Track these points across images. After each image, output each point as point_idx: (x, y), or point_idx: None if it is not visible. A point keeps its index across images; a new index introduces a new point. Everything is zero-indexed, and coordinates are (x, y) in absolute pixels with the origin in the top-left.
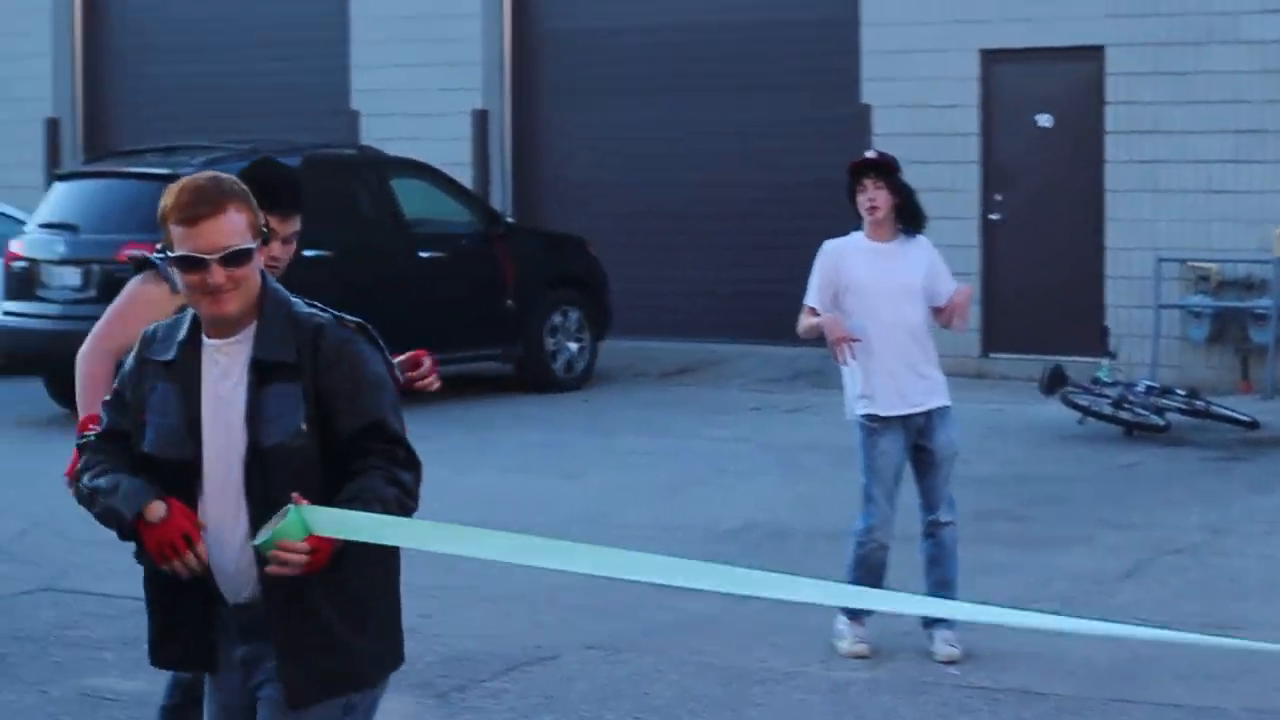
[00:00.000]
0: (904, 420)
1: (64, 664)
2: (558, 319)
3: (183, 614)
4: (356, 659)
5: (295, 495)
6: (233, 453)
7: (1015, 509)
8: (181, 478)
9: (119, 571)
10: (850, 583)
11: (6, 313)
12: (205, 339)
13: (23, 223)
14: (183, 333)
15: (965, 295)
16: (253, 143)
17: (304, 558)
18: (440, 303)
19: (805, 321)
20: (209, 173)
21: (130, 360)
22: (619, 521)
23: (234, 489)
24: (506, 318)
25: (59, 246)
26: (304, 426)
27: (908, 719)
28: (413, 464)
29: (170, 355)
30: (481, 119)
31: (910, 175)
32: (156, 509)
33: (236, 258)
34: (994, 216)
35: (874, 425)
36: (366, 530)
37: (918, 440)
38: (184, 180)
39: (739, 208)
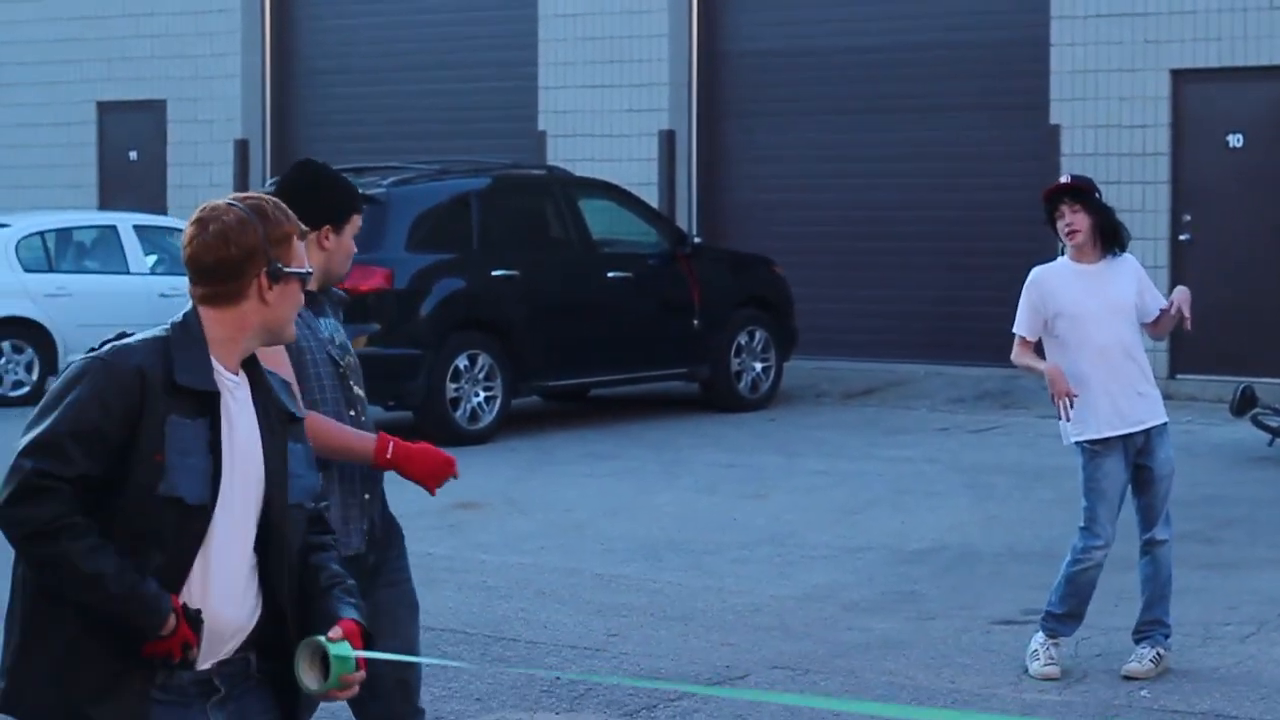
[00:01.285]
0: (1124, 440)
1: None
2: (743, 339)
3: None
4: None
5: (332, 634)
6: (248, 506)
7: (1205, 530)
8: (190, 526)
9: None
10: (1057, 600)
11: None
12: (220, 370)
13: None
14: (203, 359)
15: (1184, 296)
16: (442, 163)
17: (355, 689)
18: (627, 322)
19: (1023, 358)
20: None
21: (115, 381)
22: (805, 541)
23: (245, 545)
24: (693, 337)
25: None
26: (320, 488)
27: None
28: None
29: (206, 385)
30: (668, 140)
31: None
32: (170, 624)
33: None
34: (1183, 237)
35: (1095, 448)
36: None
37: (1137, 459)
38: (271, 198)
39: (926, 228)
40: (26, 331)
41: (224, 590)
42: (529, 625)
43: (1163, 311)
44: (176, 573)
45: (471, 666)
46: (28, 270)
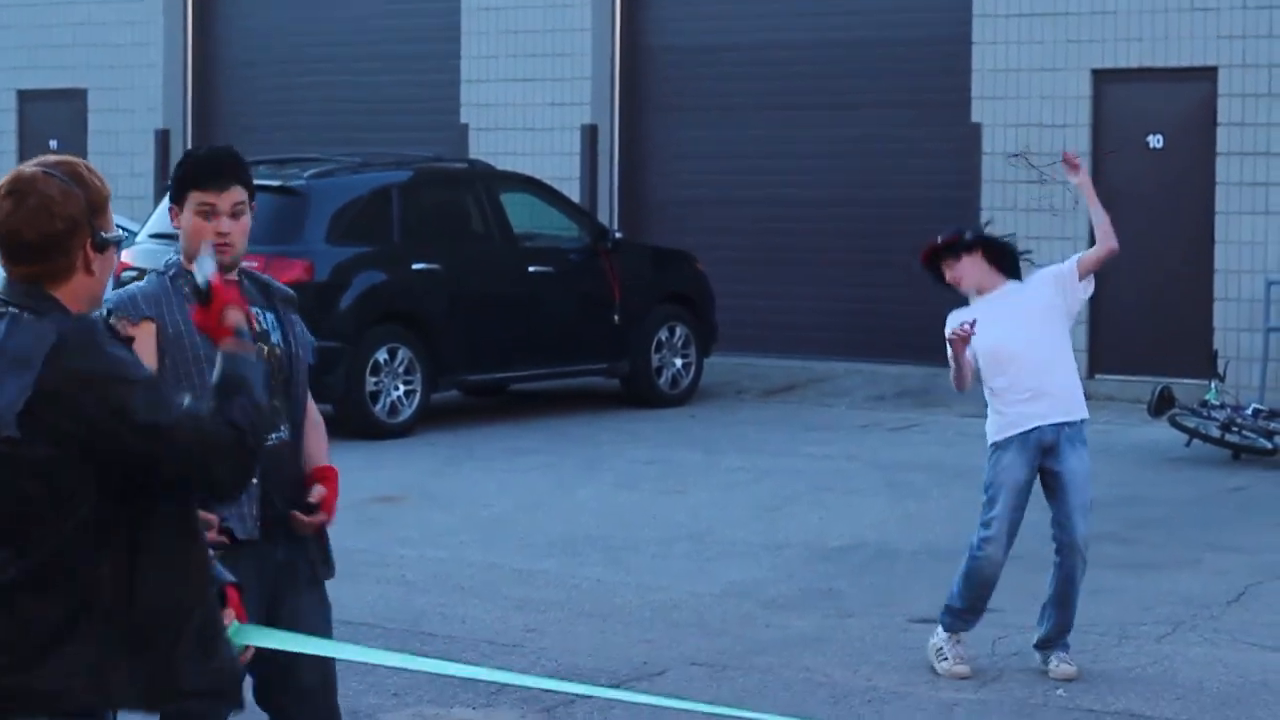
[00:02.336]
0: (1026, 436)
1: None
2: (664, 334)
3: None
4: None
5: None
6: None
7: (1122, 531)
8: None
9: None
10: (956, 594)
11: None
12: None
13: (134, 233)
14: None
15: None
16: (363, 156)
17: None
18: (548, 317)
19: (954, 376)
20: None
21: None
22: (724, 538)
23: None
24: (613, 332)
25: (169, 256)
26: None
27: None
28: None
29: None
30: (591, 134)
31: (1020, 195)
32: None
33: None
34: None
35: (998, 446)
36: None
37: (1045, 461)
38: (81, 160)
39: (847, 225)
40: None
41: None
42: (447, 620)
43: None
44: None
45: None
46: None
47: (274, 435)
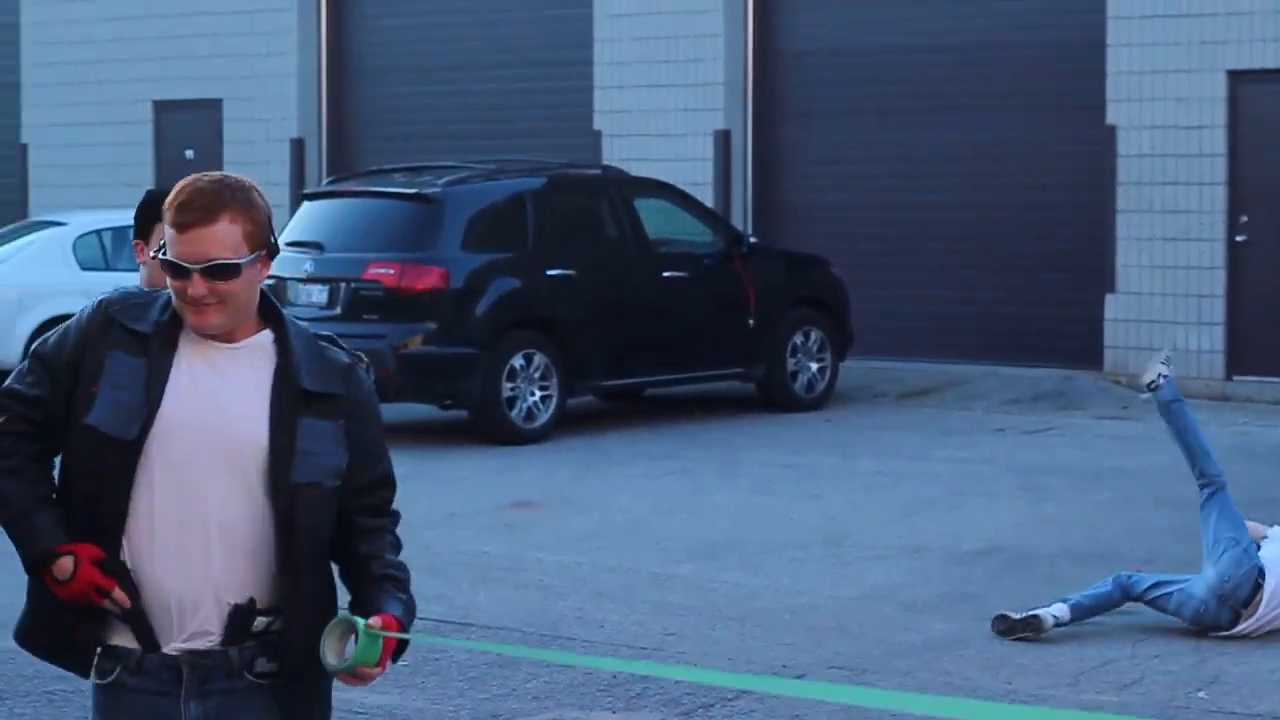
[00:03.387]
0: None
1: None
2: (799, 339)
3: (62, 611)
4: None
5: (370, 621)
6: (215, 469)
7: None
8: (111, 461)
9: None
10: None
11: None
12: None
13: None
14: (161, 314)
15: None
16: (498, 162)
17: (376, 675)
18: (682, 322)
19: None
20: (219, 175)
21: (88, 318)
22: (861, 542)
23: (201, 510)
24: (748, 337)
25: (306, 264)
26: (344, 468)
27: None
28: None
29: (145, 328)
30: (724, 139)
31: (1156, 196)
32: (64, 567)
33: (222, 271)
34: (1240, 238)
35: None
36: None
37: None
38: (189, 179)
39: (983, 229)
40: None
41: (169, 554)
42: (585, 624)
43: None
44: (113, 520)
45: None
46: (85, 269)
47: None
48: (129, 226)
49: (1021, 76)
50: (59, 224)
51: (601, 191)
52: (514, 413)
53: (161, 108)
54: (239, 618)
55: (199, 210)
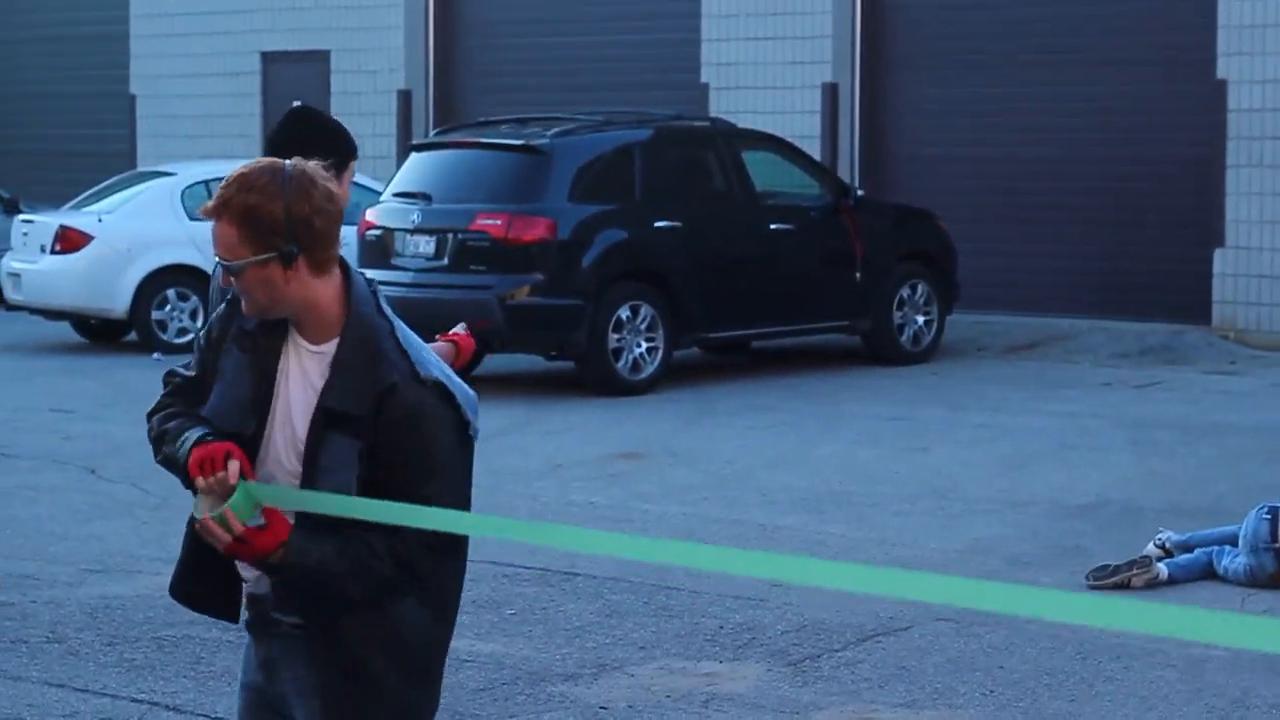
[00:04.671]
0: None
1: None
2: (906, 292)
3: (208, 565)
4: (405, 705)
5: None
6: (287, 463)
7: None
8: (242, 444)
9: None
10: None
11: None
12: (295, 334)
13: (378, 193)
14: None
15: None
16: (605, 114)
17: (228, 538)
18: (789, 275)
19: None
20: (253, 168)
21: (219, 310)
22: (967, 495)
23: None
24: (855, 290)
25: (413, 215)
26: (353, 489)
27: (1266, 700)
28: (409, 566)
29: (251, 325)
30: (831, 92)
31: (1267, 151)
32: (201, 449)
33: (230, 270)
34: None
35: None
36: (322, 504)
37: None
38: (240, 169)
39: (1089, 183)
40: (192, 280)
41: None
42: (691, 575)
43: None
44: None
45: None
46: (193, 219)
47: None
48: None
49: (1132, 30)
50: (167, 174)
51: (709, 143)
52: (620, 364)
53: (269, 59)
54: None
55: (212, 204)
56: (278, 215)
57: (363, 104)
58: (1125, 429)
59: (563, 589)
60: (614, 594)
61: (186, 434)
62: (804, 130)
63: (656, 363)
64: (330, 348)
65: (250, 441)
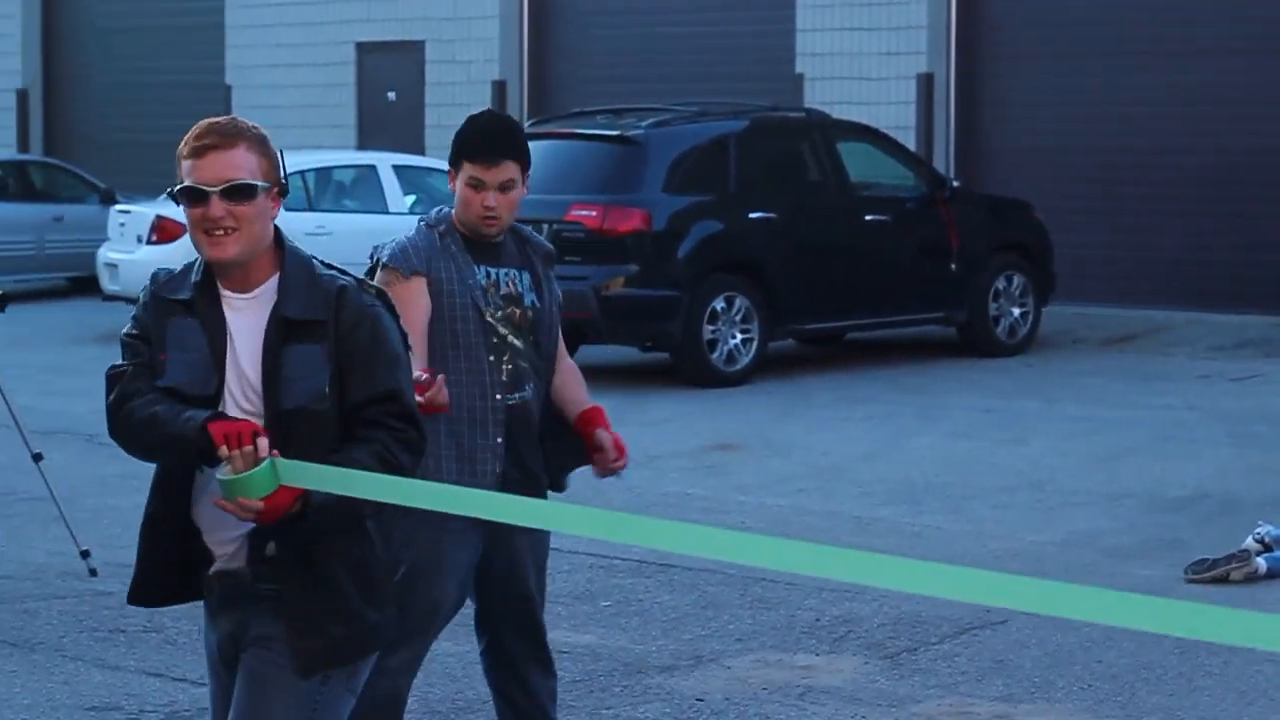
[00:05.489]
0: None
1: None
2: (1001, 284)
3: (169, 555)
4: (366, 627)
5: (273, 450)
6: (251, 415)
7: None
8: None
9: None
10: None
11: None
12: (221, 289)
13: None
14: (196, 275)
15: None
16: (700, 105)
17: (252, 514)
18: (885, 266)
19: None
20: (230, 116)
21: (142, 300)
22: (1064, 487)
23: None
24: (950, 282)
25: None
26: (327, 390)
27: None
28: (418, 448)
29: (186, 295)
30: (927, 83)
31: None
32: (215, 425)
33: (239, 192)
34: None
35: None
36: (337, 483)
37: None
38: (203, 120)
39: (1185, 174)
40: None
41: (215, 488)
42: None
43: None
44: (185, 471)
45: None
46: (288, 209)
47: (517, 394)
48: (333, 168)
49: (1226, 20)
50: None
51: (804, 135)
52: (715, 355)
53: (364, 49)
54: (257, 543)
55: (218, 135)
56: (275, 154)
57: (457, 94)
58: (1223, 422)
59: (658, 580)
60: (710, 585)
61: (188, 414)
62: (899, 121)
63: (751, 354)
64: (263, 290)
65: (211, 401)
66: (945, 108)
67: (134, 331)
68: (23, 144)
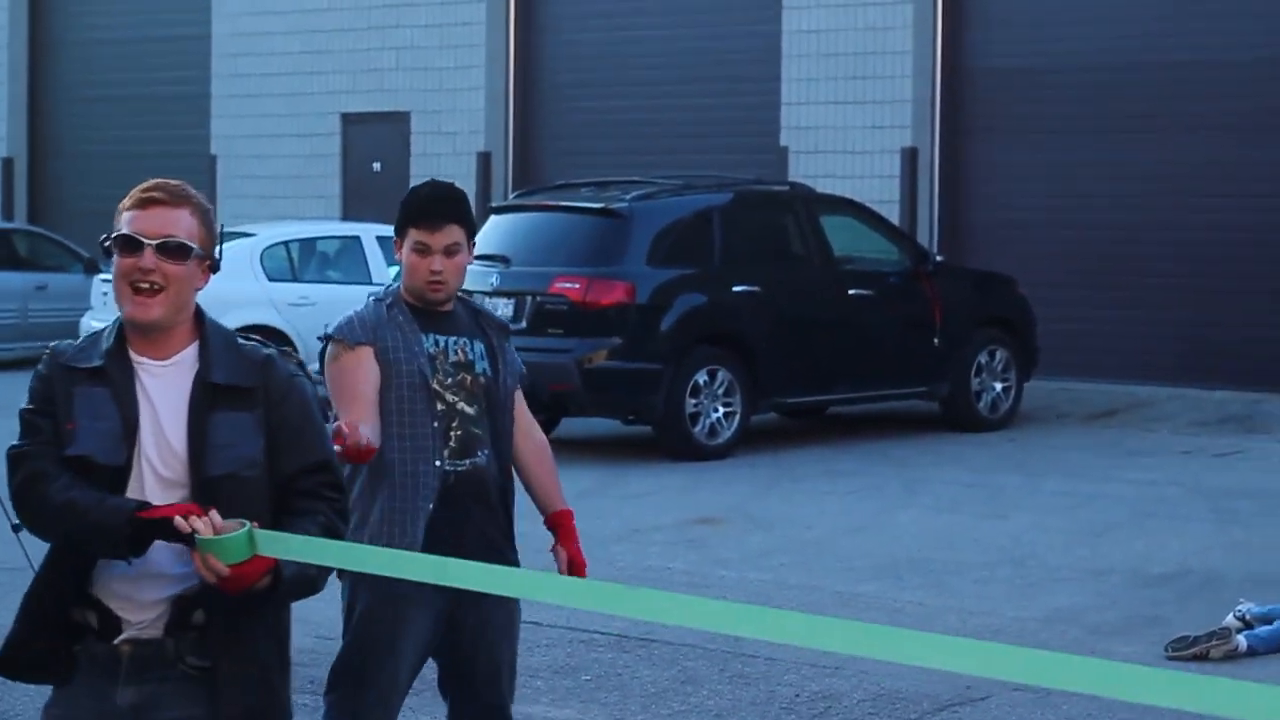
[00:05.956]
0: None
1: None
2: (984, 358)
3: (49, 628)
4: (280, 701)
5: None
6: (171, 484)
7: None
8: (111, 487)
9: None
10: None
11: None
12: (134, 355)
13: None
14: (108, 343)
15: None
16: (685, 178)
17: (215, 579)
18: (868, 340)
19: None
20: (182, 181)
21: (43, 368)
22: (1046, 563)
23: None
24: (933, 356)
25: (492, 278)
26: (261, 458)
27: None
28: (348, 517)
29: (97, 362)
30: (911, 157)
31: None
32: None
33: (175, 250)
34: None
35: None
36: (314, 554)
37: None
38: (154, 179)
39: (1168, 250)
40: (270, 339)
41: (140, 565)
42: (769, 642)
43: None
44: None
45: None
46: (272, 279)
47: (467, 460)
48: (316, 239)
49: (1213, 97)
50: (247, 235)
51: (788, 208)
52: (698, 429)
53: (349, 120)
54: (182, 610)
55: (166, 193)
56: (216, 230)
57: (442, 166)
58: (1205, 498)
59: (638, 655)
60: (689, 660)
61: (111, 502)
62: (883, 195)
63: (734, 427)
64: (182, 356)
65: (121, 472)
66: (929, 182)
67: (33, 406)
68: (7, 212)
